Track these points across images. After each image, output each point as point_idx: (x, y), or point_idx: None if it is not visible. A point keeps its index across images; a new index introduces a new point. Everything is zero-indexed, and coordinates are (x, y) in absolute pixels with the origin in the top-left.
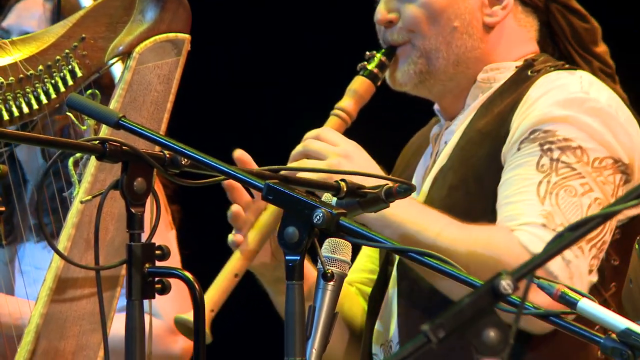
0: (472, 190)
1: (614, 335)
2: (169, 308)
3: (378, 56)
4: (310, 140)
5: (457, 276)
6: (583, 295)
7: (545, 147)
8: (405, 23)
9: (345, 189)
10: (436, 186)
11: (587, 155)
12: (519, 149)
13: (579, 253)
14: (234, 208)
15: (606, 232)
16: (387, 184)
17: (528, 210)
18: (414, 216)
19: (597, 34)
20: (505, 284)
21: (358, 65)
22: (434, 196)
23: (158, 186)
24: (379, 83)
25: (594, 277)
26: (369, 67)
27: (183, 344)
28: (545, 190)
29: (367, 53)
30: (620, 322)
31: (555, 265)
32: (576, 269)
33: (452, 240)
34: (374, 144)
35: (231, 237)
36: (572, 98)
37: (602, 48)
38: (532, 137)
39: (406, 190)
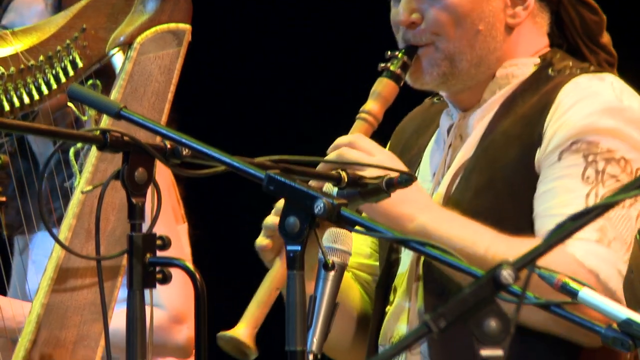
0: (501, 194)
1: (615, 325)
2: (173, 298)
3: (400, 56)
4: (346, 149)
5: (459, 266)
6: (584, 285)
7: (590, 158)
8: (429, 25)
9: (346, 180)
10: (460, 187)
11: (631, 167)
12: (559, 159)
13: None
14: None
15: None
16: (387, 175)
17: None
18: (459, 231)
19: (603, 25)
20: (507, 273)
21: (379, 65)
22: (458, 198)
23: (172, 180)
24: (401, 83)
25: None
26: (392, 68)
27: (187, 333)
28: (594, 203)
29: (388, 53)
30: (621, 312)
31: (614, 281)
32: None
33: (503, 257)
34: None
35: (263, 242)
36: (610, 108)
37: (606, 38)
38: (574, 147)
39: (407, 180)
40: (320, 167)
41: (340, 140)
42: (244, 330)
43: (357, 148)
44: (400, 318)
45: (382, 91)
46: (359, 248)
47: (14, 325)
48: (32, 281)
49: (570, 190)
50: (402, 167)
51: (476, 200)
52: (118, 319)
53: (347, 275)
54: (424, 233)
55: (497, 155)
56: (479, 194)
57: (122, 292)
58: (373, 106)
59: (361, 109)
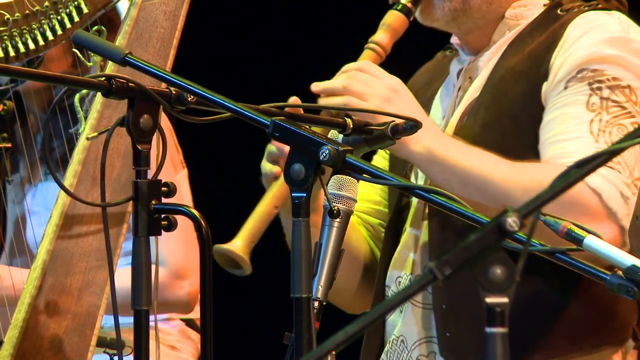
0: (508, 129)
1: (620, 272)
2: (174, 254)
3: None
4: (355, 72)
5: (464, 213)
6: (589, 232)
7: (595, 86)
8: None
9: (351, 126)
10: (467, 123)
11: (636, 95)
12: (565, 88)
13: (636, 190)
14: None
15: None
16: (392, 121)
17: (582, 148)
18: (464, 154)
19: None
20: (512, 220)
21: None
22: (465, 133)
23: (169, 126)
24: (412, 18)
25: None
26: (403, 1)
27: (189, 288)
28: (598, 129)
29: None
30: (626, 258)
31: (615, 202)
32: (634, 205)
33: (505, 179)
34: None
35: (268, 167)
36: (616, 37)
37: None
38: (580, 76)
39: (412, 127)
40: (324, 111)
41: (347, 66)
42: (239, 243)
43: (366, 72)
44: (408, 258)
45: (391, 23)
46: (368, 195)
47: (12, 293)
48: (30, 233)
49: (575, 117)
50: (409, 95)
51: (483, 135)
52: (121, 278)
53: (352, 219)
54: (429, 155)
55: (504, 91)
56: (486, 130)
57: (126, 246)
58: (382, 37)
59: (370, 40)
